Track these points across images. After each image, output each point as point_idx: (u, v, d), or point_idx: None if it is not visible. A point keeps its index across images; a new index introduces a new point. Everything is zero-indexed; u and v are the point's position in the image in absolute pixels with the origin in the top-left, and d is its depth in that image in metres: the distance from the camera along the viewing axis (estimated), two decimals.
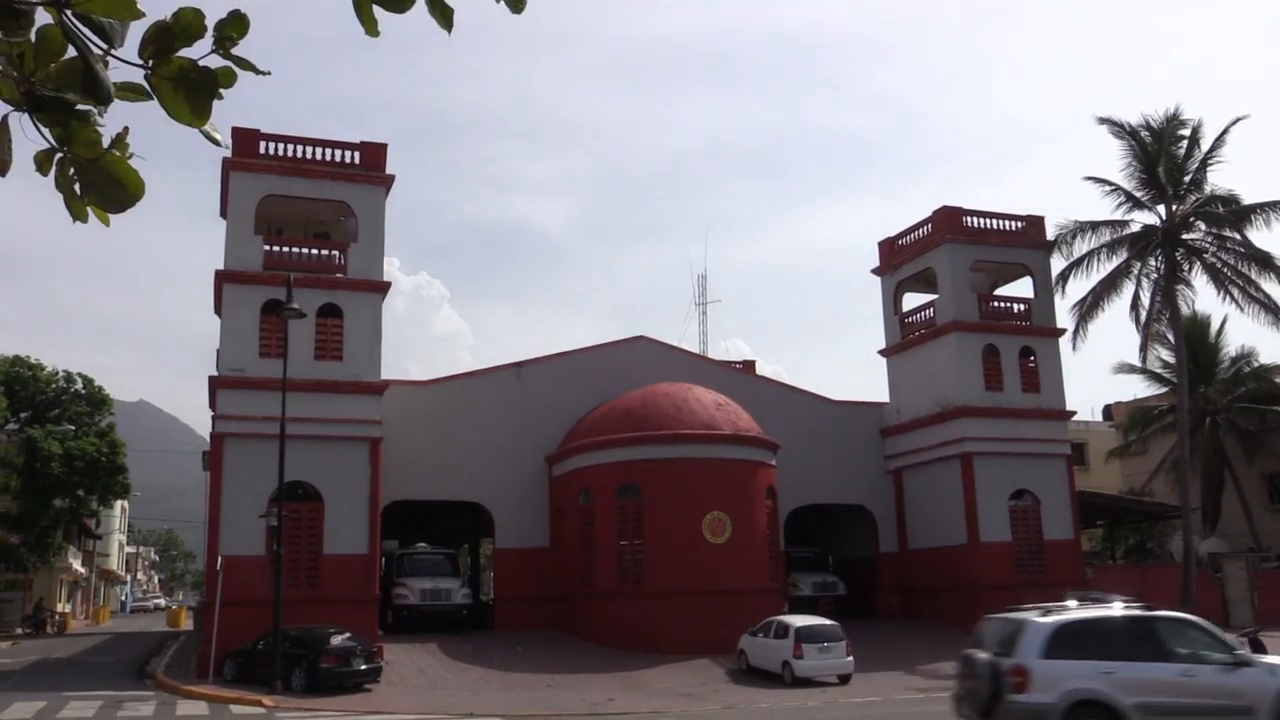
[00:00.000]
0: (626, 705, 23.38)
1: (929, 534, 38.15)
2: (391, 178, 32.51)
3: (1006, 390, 37.86)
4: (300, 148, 31.93)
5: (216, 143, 2.77)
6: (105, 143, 2.68)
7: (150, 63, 2.56)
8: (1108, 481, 53.48)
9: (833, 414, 40.58)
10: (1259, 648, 28.23)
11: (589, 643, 31.56)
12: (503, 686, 26.35)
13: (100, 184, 2.69)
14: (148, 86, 2.59)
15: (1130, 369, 47.83)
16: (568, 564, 33.91)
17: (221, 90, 2.66)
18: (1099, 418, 63.37)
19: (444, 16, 2.79)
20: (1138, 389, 53.23)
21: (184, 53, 2.58)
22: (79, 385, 53.66)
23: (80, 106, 2.60)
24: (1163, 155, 37.44)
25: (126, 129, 2.72)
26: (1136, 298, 37.70)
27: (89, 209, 2.76)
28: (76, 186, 2.70)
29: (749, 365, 46.22)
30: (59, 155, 2.67)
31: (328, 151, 32.18)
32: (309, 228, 34.60)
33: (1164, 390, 49.22)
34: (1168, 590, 36.68)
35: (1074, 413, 39.79)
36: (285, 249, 31.65)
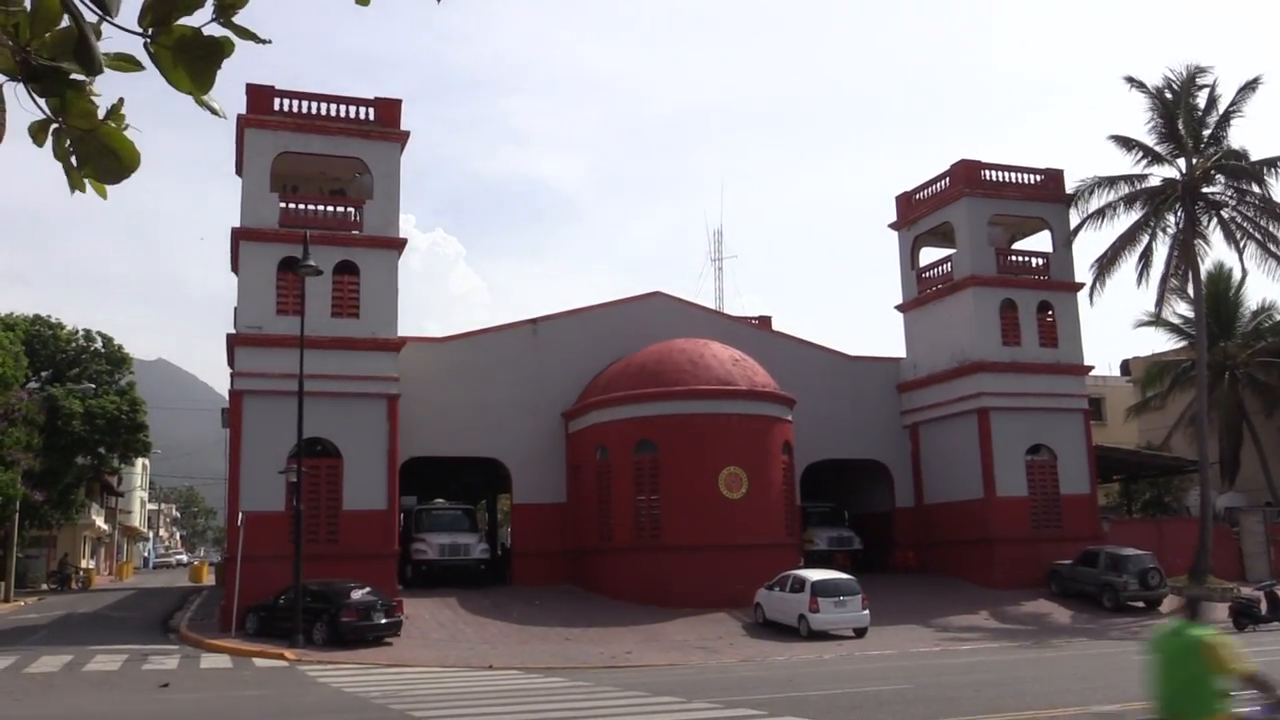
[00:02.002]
0: (644, 658, 23.59)
1: (945, 489, 38.19)
2: (406, 134, 32.40)
3: (1024, 345, 37.74)
4: (315, 104, 31.83)
5: (216, 113, 2.75)
6: (101, 114, 2.66)
7: (150, 31, 2.53)
8: (1125, 436, 53.32)
9: (849, 369, 40.54)
10: (1275, 602, 28.34)
11: (606, 597, 31.82)
12: (521, 640, 26.62)
13: (96, 155, 2.66)
14: (148, 56, 2.57)
15: (1152, 320, 47.46)
16: (585, 519, 34.10)
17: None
18: (1117, 372, 63.06)
19: None
20: (1157, 344, 52.89)
21: (184, 21, 2.56)
22: (99, 344, 53.92)
23: (74, 76, 2.58)
24: (1182, 110, 37.01)
25: (121, 100, 2.69)
26: (1150, 251, 37.38)
27: (86, 180, 2.75)
28: (73, 157, 2.69)
29: (765, 321, 46.10)
30: (54, 126, 2.65)
31: (342, 108, 32.07)
32: (325, 185, 34.55)
33: (1183, 344, 48.91)
34: (1184, 545, 36.74)
35: (1092, 367, 39.68)
36: (301, 206, 31.66)
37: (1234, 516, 42.27)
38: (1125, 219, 37.71)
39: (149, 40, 2.54)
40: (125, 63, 2.63)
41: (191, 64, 2.57)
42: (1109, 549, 33.93)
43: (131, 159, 2.69)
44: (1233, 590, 33.64)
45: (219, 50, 2.59)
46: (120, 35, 2.57)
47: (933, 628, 29.35)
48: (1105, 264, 37.71)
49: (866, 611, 27.31)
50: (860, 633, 27.29)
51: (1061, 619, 31.52)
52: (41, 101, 2.61)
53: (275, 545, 27.70)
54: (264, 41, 2.65)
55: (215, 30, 2.58)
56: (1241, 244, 36.77)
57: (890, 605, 30.25)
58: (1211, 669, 6.81)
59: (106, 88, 2.70)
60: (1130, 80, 37.61)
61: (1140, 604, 32.82)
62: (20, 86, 2.58)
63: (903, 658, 23.31)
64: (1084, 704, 14.33)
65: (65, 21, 2.53)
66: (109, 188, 2.81)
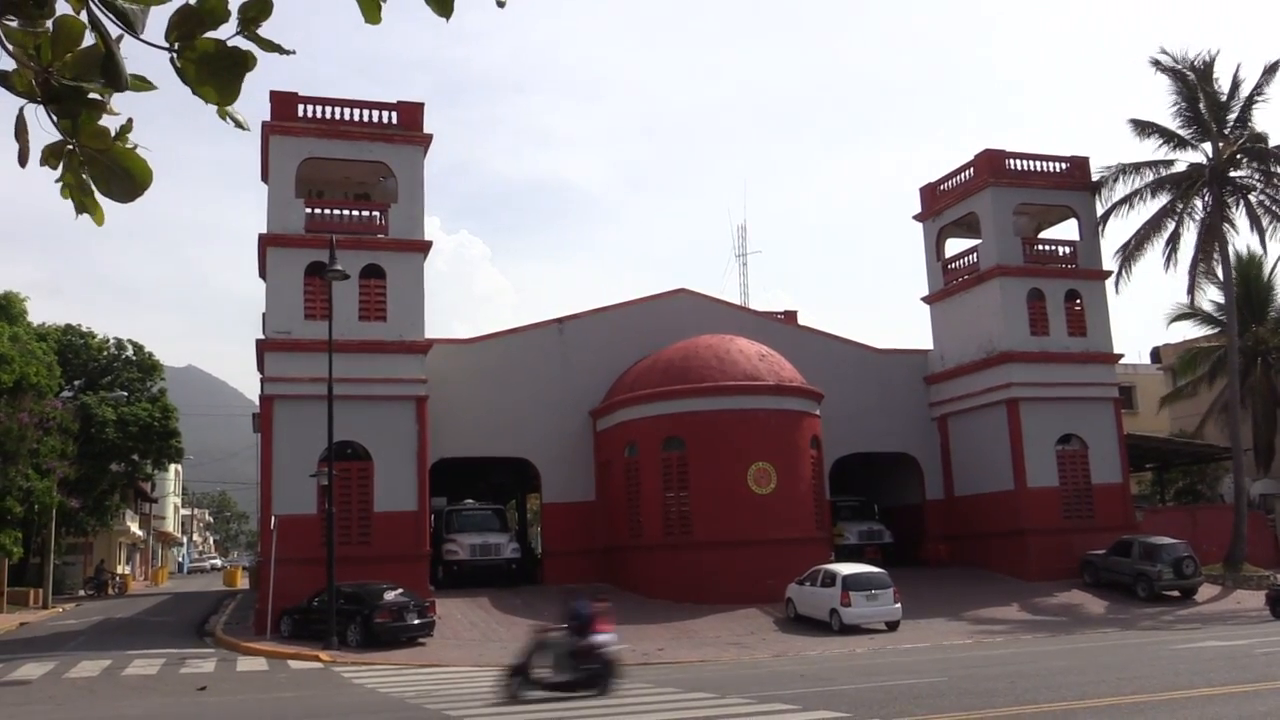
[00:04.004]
0: (677, 655, 23.63)
1: (975, 480, 38.02)
2: (429, 137, 32.55)
3: (1052, 334, 37.53)
4: (338, 109, 32.04)
5: (240, 125, 2.79)
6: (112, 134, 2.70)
7: (176, 46, 2.56)
8: (1157, 424, 52.87)
9: (876, 362, 40.42)
10: None
11: (637, 594, 31.85)
12: None
13: (109, 175, 2.70)
14: (174, 69, 2.60)
15: (1186, 313, 47.07)
16: (615, 517, 34.18)
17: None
18: (1147, 360, 62.54)
19: (441, 5, 2.73)
20: (1188, 331, 52.28)
21: (208, 35, 2.59)
22: (129, 352, 54.32)
23: (92, 95, 2.61)
24: (1203, 94, 36.67)
25: (130, 121, 2.73)
26: (1177, 236, 37.07)
27: (88, 202, 2.78)
28: (86, 178, 2.72)
29: (790, 315, 46.02)
30: (68, 148, 2.68)
31: (365, 112, 32.27)
32: (349, 189, 34.78)
33: (1214, 331, 48.43)
34: (1219, 533, 36.42)
35: (1121, 356, 39.38)
36: (327, 211, 31.90)
37: (1269, 503, 41.89)
38: (1152, 205, 37.47)
39: (175, 54, 2.58)
40: (140, 82, 2.68)
41: (217, 76, 2.62)
42: (1143, 538, 33.69)
43: (144, 177, 2.73)
44: (1269, 578, 33.35)
45: (243, 63, 2.63)
46: (135, 55, 2.61)
47: (965, 620, 29.25)
48: (1130, 251, 37.45)
49: (898, 605, 27.24)
50: (892, 626, 27.24)
51: (1095, 609, 31.33)
52: (55, 124, 2.66)
53: (308, 548, 27.95)
54: (288, 52, 2.69)
55: (239, 43, 2.63)
56: (1269, 228, 36.44)
57: (922, 598, 30.18)
58: None
59: (123, 107, 2.75)
60: (1155, 64, 37.32)
61: (1175, 593, 32.58)
62: (39, 109, 2.63)
63: (936, 650, 23.24)
64: (1119, 694, 14.24)
65: (87, 40, 2.58)
66: (106, 211, 2.84)
